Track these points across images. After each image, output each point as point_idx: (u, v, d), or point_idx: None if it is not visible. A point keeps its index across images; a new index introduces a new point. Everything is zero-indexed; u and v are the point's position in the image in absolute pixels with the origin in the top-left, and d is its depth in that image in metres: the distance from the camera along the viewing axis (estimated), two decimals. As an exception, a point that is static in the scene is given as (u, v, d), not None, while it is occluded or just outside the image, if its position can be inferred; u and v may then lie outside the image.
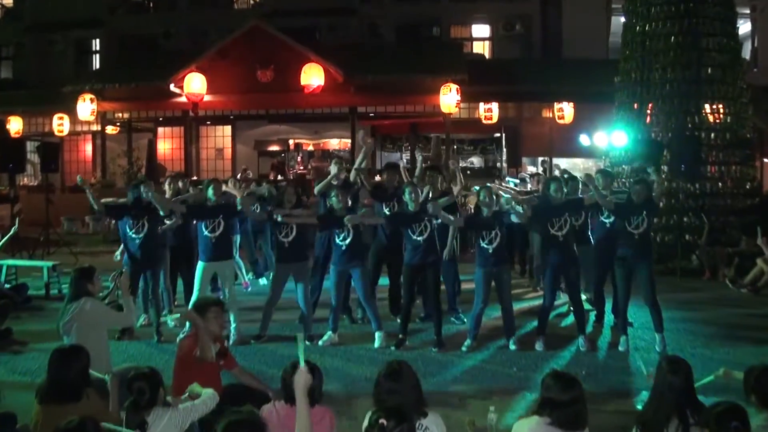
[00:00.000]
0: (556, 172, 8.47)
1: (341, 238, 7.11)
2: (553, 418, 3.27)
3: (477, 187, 9.36)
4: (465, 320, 7.85)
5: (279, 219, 7.15)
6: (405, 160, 20.62)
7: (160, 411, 3.67)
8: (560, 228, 6.98)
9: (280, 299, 7.53)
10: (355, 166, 8.16)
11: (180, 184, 8.90)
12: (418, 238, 6.97)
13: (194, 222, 8.14)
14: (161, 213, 7.41)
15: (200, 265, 7.38)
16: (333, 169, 8.05)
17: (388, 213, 7.68)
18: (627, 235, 6.94)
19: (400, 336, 7.14)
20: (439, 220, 7.13)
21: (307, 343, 7.19)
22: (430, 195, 7.44)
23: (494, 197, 7.24)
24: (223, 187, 7.95)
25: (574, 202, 7.36)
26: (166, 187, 8.61)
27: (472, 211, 7.43)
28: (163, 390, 3.77)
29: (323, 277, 8.06)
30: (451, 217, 7.15)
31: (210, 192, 7.42)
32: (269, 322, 7.46)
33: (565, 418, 3.26)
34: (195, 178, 16.08)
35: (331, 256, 7.60)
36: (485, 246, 6.94)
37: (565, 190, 7.41)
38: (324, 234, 7.76)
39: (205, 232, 7.30)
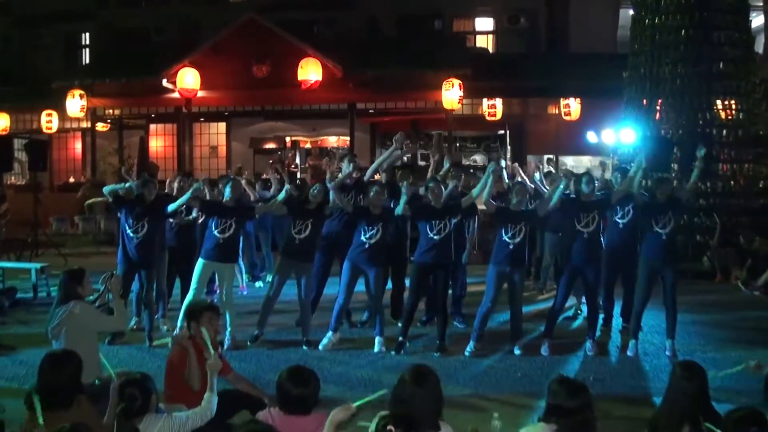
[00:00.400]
0: (608, 168, 8.33)
1: (368, 236, 7.04)
2: (559, 425, 3.26)
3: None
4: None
5: (331, 185, 7.09)
6: (405, 159, 20.61)
7: (153, 418, 3.67)
8: (587, 225, 6.95)
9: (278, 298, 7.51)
10: (375, 165, 8.12)
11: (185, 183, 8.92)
12: (435, 236, 6.92)
13: (200, 221, 8.15)
14: (168, 210, 7.38)
15: (200, 262, 7.32)
16: (346, 167, 7.94)
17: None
18: (654, 235, 6.92)
19: (400, 339, 7.12)
20: (454, 221, 7.12)
21: (304, 348, 7.20)
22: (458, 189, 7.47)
23: (528, 193, 7.19)
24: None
25: (605, 201, 7.27)
26: (175, 184, 8.64)
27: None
28: (155, 396, 3.77)
29: (326, 277, 8.03)
30: (492, 203, 7.02)
31: (227, 190, 7.37)
32: (267, 320, 7.42)
33: (572, 426, 3.25)
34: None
35: (333, 255, 7.59)
36: (507, 240, 6.88)
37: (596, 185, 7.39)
38: (333, 231, 7.71)
39: (215, 232, 7.25)
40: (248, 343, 7.28)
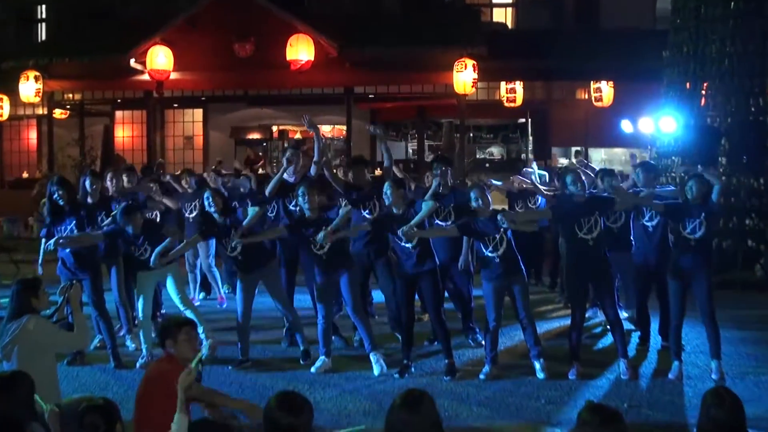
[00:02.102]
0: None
1: (318, 247, 7.07)
2: (589, 459, 3.26)
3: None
4: (483, 341, 7.86)
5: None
6: (411, 151, 20.65)
7: (118, 451, 3.67)
8: (590, 230, 6.92)
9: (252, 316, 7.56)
10: (315, 159, 8.13)
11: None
12: (407, 245, 6.95)
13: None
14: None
15: (138, 275, 7.53)
16: (285, 161, 8.03)
17: (369, 217, 7.61)
18: (682, 240, 6.92)
19: (405, 361, 7.13)
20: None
21: (302, 362, 7.37)
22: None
23: (488, 197, 7.16)
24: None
25: (601, 200, 7.25)
26: (108, 183, 8.66)
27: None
28: (120, 425, 3.77)
29: (292, 294, 8.13)
30: (443, 224, 7.21)
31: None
32: (248, 343, 7.48)
33: (604, 459, 3.24)
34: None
35: (295, 268, 7.84)
36: (490, 255, 6.90)
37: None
38: (294, 243, 7.76)
39: (136, 254, 7.44)
40: (229, 367, 7.29)
